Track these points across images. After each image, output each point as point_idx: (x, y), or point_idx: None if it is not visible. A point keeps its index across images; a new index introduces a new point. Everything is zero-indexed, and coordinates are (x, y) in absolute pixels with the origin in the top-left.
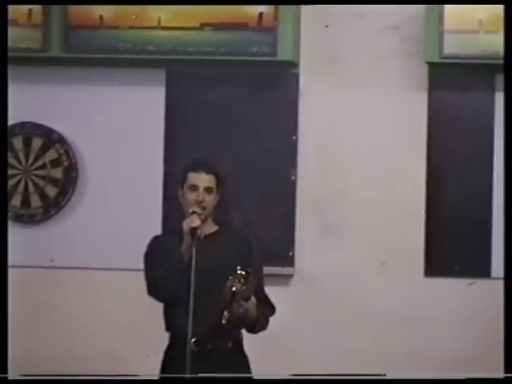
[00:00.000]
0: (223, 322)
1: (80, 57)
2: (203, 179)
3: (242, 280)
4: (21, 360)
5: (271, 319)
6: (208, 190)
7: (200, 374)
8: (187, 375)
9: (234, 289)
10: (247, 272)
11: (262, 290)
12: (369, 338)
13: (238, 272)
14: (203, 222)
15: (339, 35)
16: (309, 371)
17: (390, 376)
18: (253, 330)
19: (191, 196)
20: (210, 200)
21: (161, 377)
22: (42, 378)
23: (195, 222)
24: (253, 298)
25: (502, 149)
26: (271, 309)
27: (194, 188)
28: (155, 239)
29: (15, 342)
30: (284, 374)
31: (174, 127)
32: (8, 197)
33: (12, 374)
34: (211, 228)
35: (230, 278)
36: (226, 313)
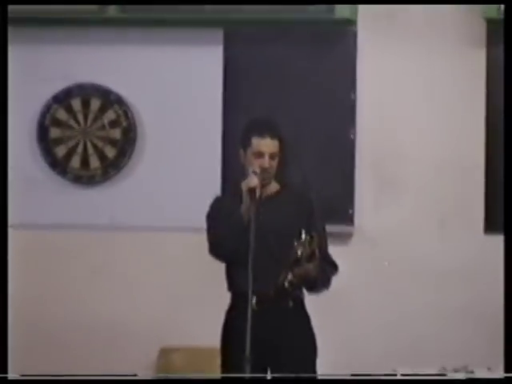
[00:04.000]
0: (286, 284)
1: (137, 17)
2: (268, 145)
3: (307, 245)
4: (75, 324)
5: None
6: (273, 155)
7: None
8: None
9: (298, 253)
10: (312, 237)
11: (326, 250)
12: (428, 294)
13: (303, 237)
14: (266, 184)
15: None
16: (368, 330)
17: (387, 375)
18: (313, 289)
19: (256, 162)
20: (275, 164)
21: (160, 377)
22: (42, 378)
23: (253, 182)
24: (316, 260)
25: None
26: (333, 268)
27: (260, 154)
28: (217, 199)
29: (73, 303)
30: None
31: (232, 87)
32: (67, 158)
33: (12, 374)
34: (273, 188)
35: (295, 243)
36: (289, 275)
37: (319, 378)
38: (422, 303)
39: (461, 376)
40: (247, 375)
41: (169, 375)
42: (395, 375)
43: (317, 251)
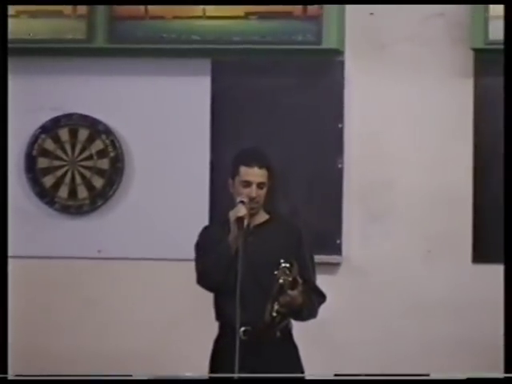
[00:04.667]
0: (273, 314)
1: (125, 47)
2: (256, 174)
3: (287, 271)
4: (68, 357)
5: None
6: (260, 185)
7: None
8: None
9: (280, 281)
10: (291, 263)
11: (313, 279)
12: (416, 325)
13: (283, 265)
14: (254, 214)
15: (384, 22)
16: (355, 360)
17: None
18: (300, 317)
19: (243, 191)
20: (262, 194)
21: (159, 377)
22: (42, 378)
23: (241, 211)
24: (299, 285)
25: None
26: (321, 297)
27: (247, 184)
28: (205, 229)
29: (63, 336)
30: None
31: (220, 117)
32: (55, 188)
33: (12, 374)
34: (261, 218)
35: (276, 272)
36: (275, 305)
37: (316, 378)
38: (410, 333)
39: (458, 374)
40: (248, 375)
41: (167, 376)
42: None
43: (298, 277)
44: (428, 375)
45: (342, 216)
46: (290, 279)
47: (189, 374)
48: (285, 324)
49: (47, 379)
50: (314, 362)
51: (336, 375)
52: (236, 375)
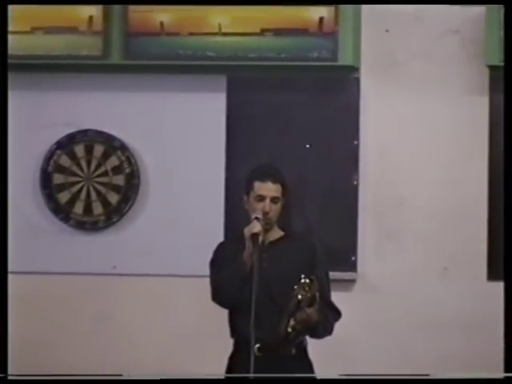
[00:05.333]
0: (289, 330)
1: (141, 64)
2: (270, 189)
3: (307, 288)
4: (77, 372)
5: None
6: (274, 199)
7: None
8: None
9: (299, 297)
10: (311, 280)
11: (328, 296)
12: (431, 342)
13: (302, 281)
14: (268, 229)
15: (399, 39)
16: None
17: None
18: (315, 334)
19: (257, 206)
20: (277, 209)
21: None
22: (42, 378)
23: (256, 227)
24: (316, 302)
25: None
26: (336, 314)
27: (261, 198)
28: (221, 245)
29: (77, 350)
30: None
31: (236, 133)
32: (70, 204)
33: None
34: (276, 234)
35: (295, 287)
36: (291, 321)
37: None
38: (424, 350)
39: (458, 374)
40: (250, 375)
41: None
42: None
43: (317, 295)
44: (428, 375)
45: (357, 233)
46: (309, 295)
47: (189, 375)
48: (300, 340)
49: (47, 379)
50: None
51: (340, 375)
52: (235, 375)
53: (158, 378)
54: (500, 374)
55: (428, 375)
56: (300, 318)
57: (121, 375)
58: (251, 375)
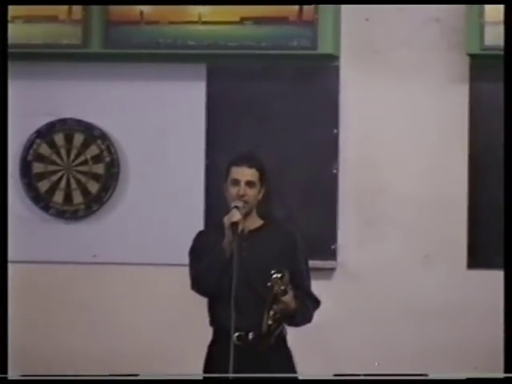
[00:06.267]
0: (269, 322)
1: (121, 52)
2: (244, 173)
3: (280, 282)
4: (61, 359)
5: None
6: (250, 183)
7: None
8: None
9: (274, 291)
10: (282, 273)
11: (308, 285)
12: (411, 330)
13: (274, 276)
14: (246, 216)
15: (380, 28)
16: (351, 365)
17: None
18: (294, 322)
19: (233, 190)
20: (252, 194)
21: (158, 377)
22: (42, 378)
23: (235, 216)
24: (290, 292)
25: None
26: (315, 302)
27: (236, 182)
28: (200, 234)
29: (57, 340)
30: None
31: (215, 122)
32: (50, 193)
33: (12, 374)
34: (256, 223)
35: (269, 283)
36: (271, 313)
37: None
38: (405, 339)
39: (458, 374)
40: (250, 375)
41: (168, 375)
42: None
43: (288, 287)
44: (427, 375)
45: (337, 221)
46: (283, 287)
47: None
48: (280, 330)
49: (47, 379)
50: (309, 366)
51: (336, 375)
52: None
53: (155, 378)
54: (500, 374)
55: (427, 375)
56: (278, 309)
57: (121, 375)
58: (253, 375)
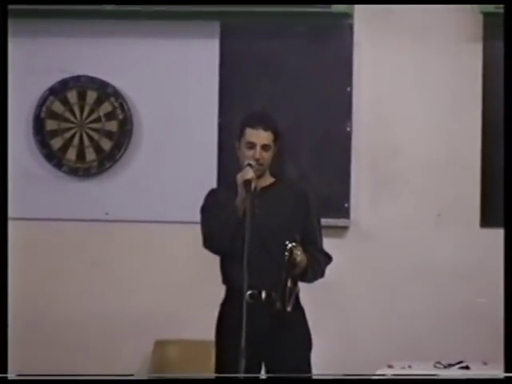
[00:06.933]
0: (289, 285)
1: (134, 10)
2: (261, 136)
3: (295, 249)
4: (74, 319)
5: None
6: (265, 147)
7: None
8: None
9: (292, 259)
10: (296, 241)
11: (320, 242)
12: (424, 289)
13: (289, 246)
14: (260, 176)
15: None
16: (362, 322)
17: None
18: (306, 278)
19: (248, 153)
20: (267, 156)
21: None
22: (42, 378)
23: (249, 174)
24: (300, 248)
25: None
26: (327, 258)
27: (252, 145)
28: (212, 192)
29: (69, 299)
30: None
31: (229, 80)
32: (63, 151)
33: (12, 374)
34: (268, 180)
35: (286, 253)
36: (289, 279)
37: (314, 377)
38: (418, 297)
39: (459, 374)
40: (253, 375)
41: (166, 374)
42: (388, 374)
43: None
44: (429, 375)
45: (350, 179)
46: (299, 253)
47: (186, 372)
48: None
49: (47, 379)
50: (321, 323)
51: (345, 375)
52: (240, 375)
53: (157, 378)
54: (500, 374)
55: (429, 375)
56: (295, 272)
57: (121, 375)
58: (255, 376)
